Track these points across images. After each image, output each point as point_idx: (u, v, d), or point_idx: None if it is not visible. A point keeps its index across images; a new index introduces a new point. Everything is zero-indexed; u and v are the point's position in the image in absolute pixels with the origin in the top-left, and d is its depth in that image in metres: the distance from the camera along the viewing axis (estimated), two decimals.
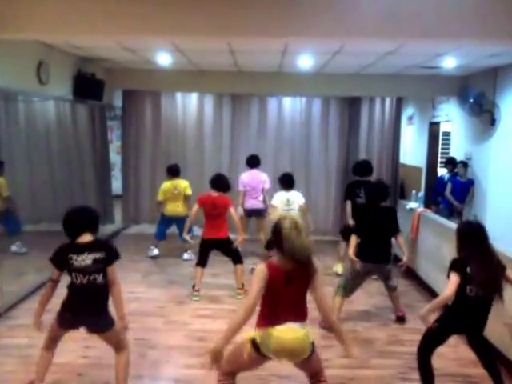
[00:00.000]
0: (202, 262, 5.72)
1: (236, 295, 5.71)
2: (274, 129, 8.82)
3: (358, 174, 6.64)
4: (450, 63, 6.60)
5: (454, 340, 4.60)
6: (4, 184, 6.49)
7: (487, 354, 3.60)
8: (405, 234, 6.98)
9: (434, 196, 7.98)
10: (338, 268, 6.76)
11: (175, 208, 7.10)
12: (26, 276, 5.91)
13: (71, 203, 8.03)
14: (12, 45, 5.15)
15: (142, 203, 8.96)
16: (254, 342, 2.94)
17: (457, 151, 8.06)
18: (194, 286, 5.71)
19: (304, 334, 2.91)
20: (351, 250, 4.95)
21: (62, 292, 3.39)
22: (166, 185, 7.14)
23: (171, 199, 7.10)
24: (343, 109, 8.82)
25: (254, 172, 7.27)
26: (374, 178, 6.76)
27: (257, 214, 7.16)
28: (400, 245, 5.19)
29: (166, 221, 7.26)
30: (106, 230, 8.56)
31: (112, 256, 3.50)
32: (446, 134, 8.78)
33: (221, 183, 5.84)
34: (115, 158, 10.36)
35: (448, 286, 3.34)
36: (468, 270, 3.35)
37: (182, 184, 7.19)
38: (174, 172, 7.21)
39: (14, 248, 6.78)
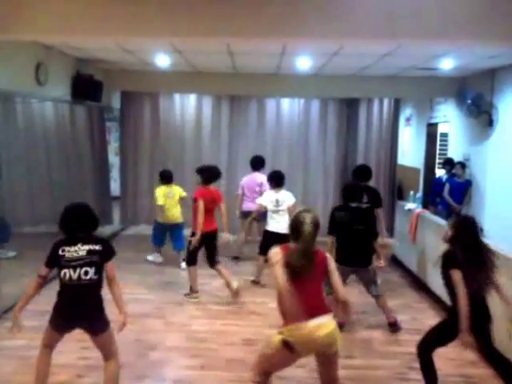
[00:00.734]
0: (194, 260, 5.68)
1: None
2: (272, 130, 8.83)
3: (357, 178, 6.52)
4: (447, 64, 6.63)
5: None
6: None
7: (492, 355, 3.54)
8: (403, 234, 7.03)
9: (432, 197, 7.99)
10: None
11: (173, 214, 6.92)
12: (25, 278, 5.88)
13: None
14: (10, 46, 5.15)
15: (141, 204, 8.96)
16: (284, 341, 2.91)
17: (455, 152, 8.08)
18: (191, 288, 5.70)
19: (334, 326, 2.94)
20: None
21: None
22: (161, 189, 7.01)
23: (167, 205, 6.96)
24: (341, 110, 8.84)
25: (254, 174, 7.23)
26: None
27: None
28: (376, 247, 5.05)
29: (161, 228, 7.15)
30: (104, 231, 8.56)
31: (109, 251, 3.42)
32: (444, 135, 8.81)
33: (215, 173, 5.77)
34: (113, 159, 10.35)
35: (459, 289, 3.26)
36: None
37: (177, 189, 7.06)
38: (167, 178, 7.00)
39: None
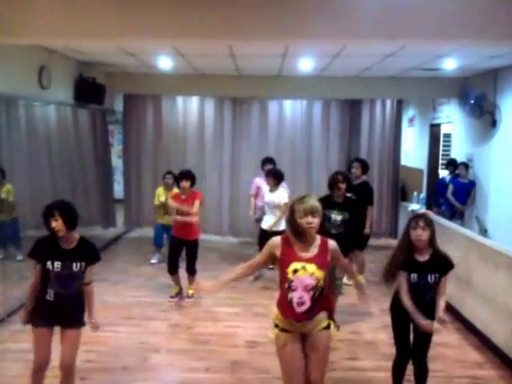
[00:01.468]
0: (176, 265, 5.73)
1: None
2: (274, 132, 8.82)
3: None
4: (450, 65, 6.61)
5: (458, 342, 4.62)
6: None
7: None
8: None
9: (436, 198, 7.97)
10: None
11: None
12: (28, 281, 5.89)
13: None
14: (13, 50, 5.16)
15: (144, 207, 8.96)
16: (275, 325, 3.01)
17: (458, 153, 8.06)
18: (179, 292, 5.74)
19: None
20: None
21: None
22: (160, 189, 7.02)
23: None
24: (344, 111, 8.83)
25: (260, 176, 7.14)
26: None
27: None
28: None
29: (163, 228, 7.16)
30: (108, 233, 8.57)
31: (94, 257, 3.52)
32: (447, 135, 8.79)
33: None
34: (117, 162, 10.35)
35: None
36: None
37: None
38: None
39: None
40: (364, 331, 4.94)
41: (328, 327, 3.01)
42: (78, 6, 4.17)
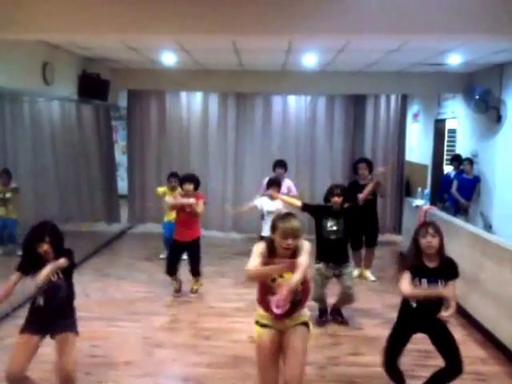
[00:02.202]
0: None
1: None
2: (278, 127, 8.80)
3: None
4: (455, 60, 6.57)
5: (462, 337, 4.60)
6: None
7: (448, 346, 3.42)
8: (411, 231, 6.98)
9: (440, 193, 7.95)
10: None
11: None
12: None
13: (77, 203, 8.11)
14: (17, 45, 5.17)
15: (148, 202, 8.97)
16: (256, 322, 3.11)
17: (463, 148, 8.03)
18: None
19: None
20: None
21: None
22: (165, 190, 7.02)
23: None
24: (348, 107, 8.80)
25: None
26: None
27: None
28: None
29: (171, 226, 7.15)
30: (112, 229, 8.60)
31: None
32: (452, 131, 8.76)
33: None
34: (121, 157, 10.38)
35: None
36: None
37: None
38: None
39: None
40: (367, 327, 4.93)
41: (306, 324, 3.09)
42: (82, 1, 4.17)
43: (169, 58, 6.95)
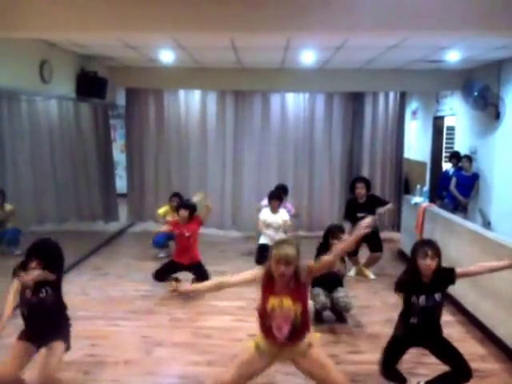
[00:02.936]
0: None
1: None
2: (277, 125, 8.79)
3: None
4: (453, 56, 6.57)
5: (461, 335, 4.61)
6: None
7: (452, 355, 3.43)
8: (410, 228, 6.99)
9: (439, 190, 7.96)
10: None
11: None
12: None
13: (75, 202, 8.08)
14: (14, 44, 5.15)
15: (147, 201, 8.97)
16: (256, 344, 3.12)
17: (461, 145, 8.03)
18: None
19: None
20: None
21: None
22: (167, 210, 7.11)
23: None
24: (347, 104, 8.79)
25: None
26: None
27: None
28: None
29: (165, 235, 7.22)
30: (111, 228, 8.59)
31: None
32: (451, 128, 8.75)
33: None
34: (119, 156, 10.35)
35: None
36: None
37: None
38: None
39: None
40: (366, 324, 4.93)
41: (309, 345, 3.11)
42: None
43: (167, 56, 6.93)
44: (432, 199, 7.36)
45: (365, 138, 8.85)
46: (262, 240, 6.48)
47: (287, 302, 2.94)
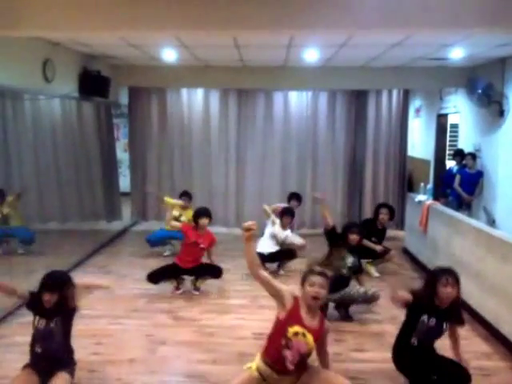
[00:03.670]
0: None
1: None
2: (280, 123, 8.79)
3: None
4: (457, 54, 6.54)
5: (466, 333, 4.58)
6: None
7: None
8: (414, 226, 6.98)
9: (443, 188, 7.92)
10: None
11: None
12: (36, 274, 5.92)
13: (78, 201, 8.09)
14: (17, 43, 5.15)
15: (150, 200, 8.97)
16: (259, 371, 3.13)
17: (465, 143, 8.00)
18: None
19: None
20: None
21: None
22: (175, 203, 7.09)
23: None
24: (350, 102, 8.77)
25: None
26: None
27: None
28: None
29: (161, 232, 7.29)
30: (114, 226, 8.59)
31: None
32: (454, 125, 8.72)
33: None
34: (122, 155, 10.36)
35: None
36: None
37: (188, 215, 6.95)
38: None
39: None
40: (371, 323, 4.92)
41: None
42: None
43: (169, 55, 6.93)
44: (436, 197, 7.33)
45: (368, 135, 8.84)
46: (259, 248, 6.36)
47: (309, 338, 3.01)
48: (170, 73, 8.01)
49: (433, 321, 3.34)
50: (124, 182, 9.38)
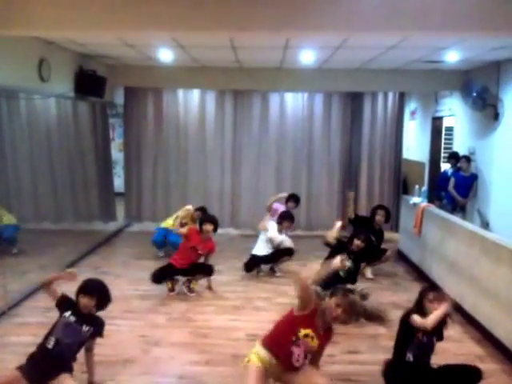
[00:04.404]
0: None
1: None
2: (276, 125, 8.79)
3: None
4: (452, 57, 6.57)
5: (459, 335, 4.61)
6: None
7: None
8: (408, 228, 7.00)
9: (438, 191, 7.95)
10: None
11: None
12: (30, 274, 5.91)
13: (73, 201, 8.07)
14: (13, 42, 5.13)
15: (145, 201, 8.96)
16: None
17: (460, 146, 8.03)
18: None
19: None
20: None
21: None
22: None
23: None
24: (345, 104, 8.79)
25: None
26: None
27: None
28: None
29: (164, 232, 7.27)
30: (108, 227, 8.57)
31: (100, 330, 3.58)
32: (449, 128, 8.76)
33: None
34: (117, 155, 10.34)
35: None
36: None
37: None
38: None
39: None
40: (365, 325, 4.90)
41: None
42: None
43: (166, 55, 6.92)
44: (430, 199, 7.35)
45: (363, 138, 8.86)
46: (255, 251, 6.41)
47: (316, 343, 3.12)
48: (166, 73, 8.01)
49: (424, 338, 3.40)
50: (119, 183, 9.36)
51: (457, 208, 7.39)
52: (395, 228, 8.63)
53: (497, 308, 4.43)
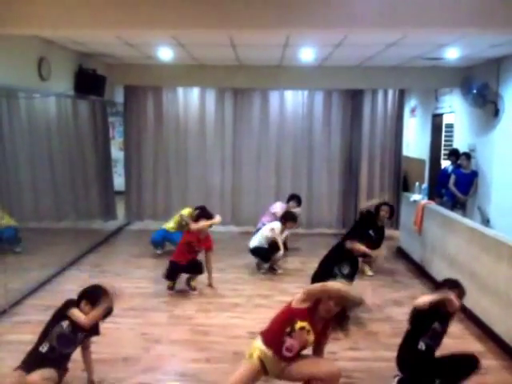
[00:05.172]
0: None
1: None
2: (276, 122, 8.80)
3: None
4: (452, 54, 6.56)
5: (459, 331, 4.61)
6: None
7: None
8: (408, 225, 7.00)
9: (438, 188, 7.95)
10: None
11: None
12: (30, 272, 5.92)
13: (73, 200, 8.07)
14: (12, 41, 5.13)
15: (145, 199, 8.97)
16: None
17: (460, 143, 8.03)
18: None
19: None
20: None
21: None
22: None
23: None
24: (345, 101, 8.79)
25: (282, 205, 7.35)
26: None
27: None
28: None
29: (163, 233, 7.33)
30: (109, 226, 8.58)
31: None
32: (449, 125, 8.75)
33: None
34: (118, 154, 10.34)
35: None
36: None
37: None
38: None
39: None
40: (365, 322, 4.93)
41: None
42: None
43: (165, 54, 6.92)
44: (431, 197, 7.36)
45: (364, 135, 8.85)
46: (252, 243, 6.49)
47: (312, 337, 3.14)
48: (165, 72, 8.00)
49: (438, 326, 3.44)
50: (119, 181, 9.36)
51: (457, 205, 7.39)
52: (395, 225, 8.64)
53: (497, 304, 4.43)
